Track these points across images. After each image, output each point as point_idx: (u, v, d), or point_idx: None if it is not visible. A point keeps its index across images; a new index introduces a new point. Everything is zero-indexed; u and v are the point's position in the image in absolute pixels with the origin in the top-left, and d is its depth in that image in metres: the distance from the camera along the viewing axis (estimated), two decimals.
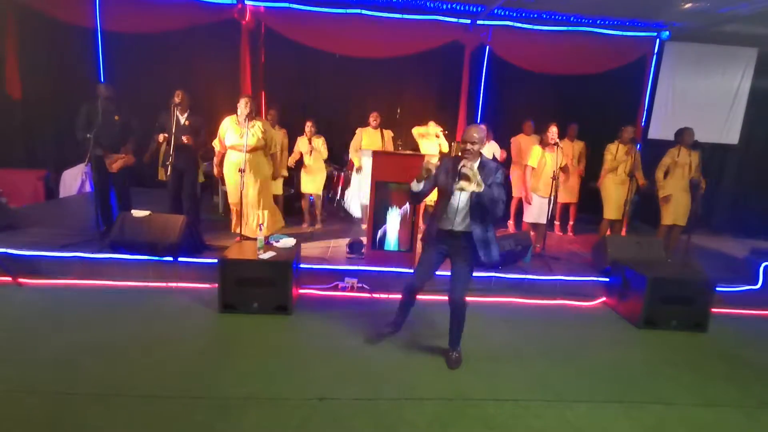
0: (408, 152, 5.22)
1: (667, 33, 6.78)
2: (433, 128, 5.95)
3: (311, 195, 5.98)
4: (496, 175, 2.90)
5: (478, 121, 7.36)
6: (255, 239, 4.01)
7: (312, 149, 5.72)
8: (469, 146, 2.92)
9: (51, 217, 5.60)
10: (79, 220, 5.41)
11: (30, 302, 3.72)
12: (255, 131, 4.69)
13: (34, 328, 3.29)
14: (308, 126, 5.74)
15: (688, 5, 5.73)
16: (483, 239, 2.96)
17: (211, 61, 7.19)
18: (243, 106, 4.60)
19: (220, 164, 4.91)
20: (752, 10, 5.48)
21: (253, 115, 4.68)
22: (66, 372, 2.77)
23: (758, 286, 4.75)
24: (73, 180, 7.23)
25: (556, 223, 6.56)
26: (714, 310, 4.01)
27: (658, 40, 6.92)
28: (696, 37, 6.76)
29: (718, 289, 4.13)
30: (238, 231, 4.83)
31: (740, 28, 6.18)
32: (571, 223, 6.58)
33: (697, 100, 7.07)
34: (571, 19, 6.67)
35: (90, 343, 3.12)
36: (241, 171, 4.46)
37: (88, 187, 7.17)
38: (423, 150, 5.86)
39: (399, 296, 4.22)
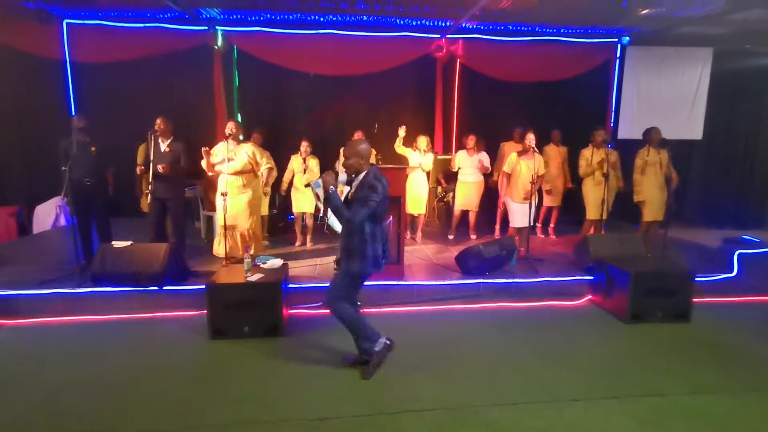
0: (389, 166, 5.27)
1: (628, 38, 7.09)
2: (423, 143, 6.06)
3: (303, 214, 5.95)
4: (362, 191, 2.87)
5: (454, 131, 7.50)
6: (241, 260, 3.97)
7: (305, 168, 5.73)
8: (344, 160, 2.99)
9: (26, 254, 5.43)
10: (56, 255, 5.27)
11: (9, 343, 3.58)
12: (241, 155, 4.67)
13: (16, 370, 3.17)
14: (304, 146, 5.76)
15: (644, 11, 6.00)
16: (345, 248, 2.98)
17: (186, 86, 7.16)
18: (228, 130, 4.61)
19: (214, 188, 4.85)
20: (705, 12, 5.78)
21: (239, 138, 4.68)
22: (52, 412, 2.68)
23: (734, 273, 4.93)
24: (47, 215, 7.03)
25: (538, 225, 6.69)
26: (695, 299, 4.14)
27: (619, 45, 7.22)
28: (655, 40, 7.09)
29: (697, 279, 4.27)
30: (221, 254, 4.78)
31: (695, 29, 6.50)
32: (552, 225, 6.72)
33: (660, 99, 7.37)
34: (536, 29, 6.92)
35: (76, 380, 3.02)
36: (224, 194, 4.44)
37: (63, 221, 6.98)
38: (412, 163, 5.97)
39: (390, 310, 4.27)
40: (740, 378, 3.14)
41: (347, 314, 3.03)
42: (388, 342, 3.13)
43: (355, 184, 2.96)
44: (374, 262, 2.97)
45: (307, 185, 2.93)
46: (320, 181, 2.86)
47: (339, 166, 6.26)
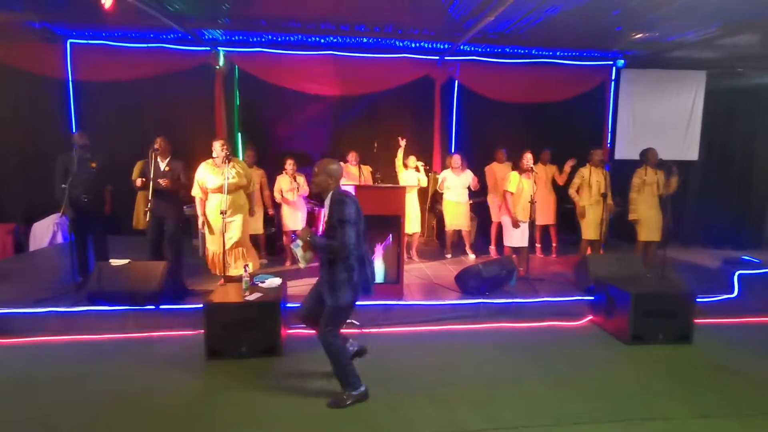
0: (388, 185, 5.30)
1: (622, 61, 7.23)
2: (413, 162, 6.11)
3: (294, 232, 5.94)
4: (334, 211, 2.78)
5: (452, 150, 7.55)
6: (240, 280, 3.94)
7: (298, 186, 5.74)
8: (313, 177, 2.97)
9: (22, 272, 5.38)
10: (53, 273, 5.22)
11: (2, 363, 3.51)
12: (232, 172, 4.68)
13: (9, 390, 3.11)
14: (289, 164, 5.78)
15: (638, 35, 6.14)
16: (328, 280, 2.86)
17: (187, 105, 7.20)
18: (219, 148, 4.61)
19: (204, 212, 4.79)
20: (698, 36, 5.92)
21: (229, 156, 4.69)
22: None
23: (735, 294, 4.91)
24: (44, 232, 6.99)
25: (538, 245, 6.68)
26: (696, 320, 4.11)
27: (614, 68, 7.36)
28: (649, 63, 7.22)
29: (697, 300, 4.24)
30: (216, 273, 4.75)
31: (688, 53, 6.63)
32: (554, 245, 6.71)
33: (655, 120, 7.47)
34: (533, 51, 7.05)
35: (70, 402, 2.96)
36: (223, 213, 4.43)
37: (60, 239, 6.94)
38: (402, 182, 5.98)
39: (389, 330, 4.22)
40: (746, 401, 3.10)
41: (334, 351, 2.91)
42: (365, 392, 2.99)
43: (325, 210, 2.90)
44: (365, 287, 2.89)
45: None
46: (298, 241, 2.86)
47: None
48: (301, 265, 2.94)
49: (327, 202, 2.89)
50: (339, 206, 2.77)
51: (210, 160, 4.70)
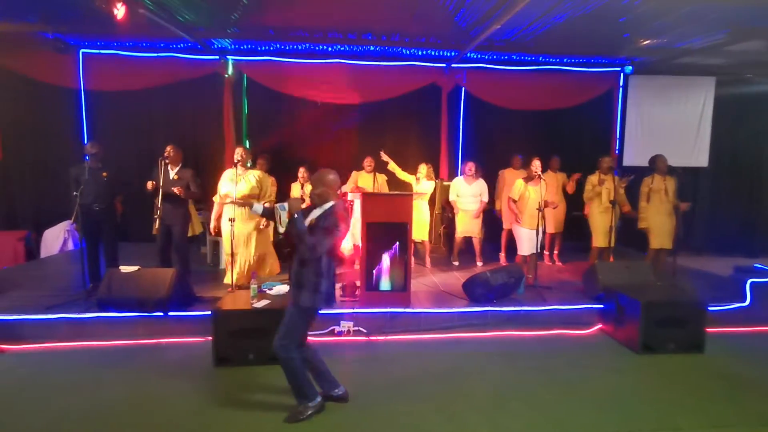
0: (396, 192, 5.30)
1: (630, 68, 7.20)
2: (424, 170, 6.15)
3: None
4: (328, 220, 2.77)
5: (459, 158, 7.56)
6: (248, 287, 3.96)
7: (305, 194, 5.78)
8: (312, 190, 2.95)
9: (33, 279, 5.43)
10: (63, 279, 5.27)
11: (13, 369, 3.55)
12: (249, 180, 4.73)
13: (18, 396, 3.14)
14: (301, 172, 5.81)
15: (646, 42, 6.12)
16: (296, 281, 2.83)
17: (196, 113, 7.29)
18: (237, 156, 4.68)
19: (218, 218, 4.85)
20: (705, 43, 5.89)
21: (247, 164, 4.73)
22: None
23: (747, 303, 4.84)
24: (55, 239, 7.08)
25: (545, 253, 6.64)
26: (708, 329, 4.05)
27: (622, 75, 7.33)
28: (657, 69, 7.19)
29: (709, 308, 4.18)
30: (229, 282, 4.77)
31: (697, 59, 6.60)
32: (555, 252, 6.67)
33: (664, 127, 7.43)
34: (540, 59, 7.05)
35: (80, 408, 2.98)
36: (231, 220, 4.46)
37: (70, 246, 7.02)
38: (416, 189, 6.01)
39: (396, 338, 4.21)
40: (756, 411, 3.05)
41: (292, 366, 2.83)
42: (322, 402, 2.94)
43: (318, 212, 2.86)
44: (327, 298, 2.86)
45: (271, 209, 2.95)
46: (286, 204, 2.84)
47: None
48: (280, 228, 2.89)
49: (324, 207, 2.85)
50: (332, 218, 2.77)
51: (234, 168, 4.76)
